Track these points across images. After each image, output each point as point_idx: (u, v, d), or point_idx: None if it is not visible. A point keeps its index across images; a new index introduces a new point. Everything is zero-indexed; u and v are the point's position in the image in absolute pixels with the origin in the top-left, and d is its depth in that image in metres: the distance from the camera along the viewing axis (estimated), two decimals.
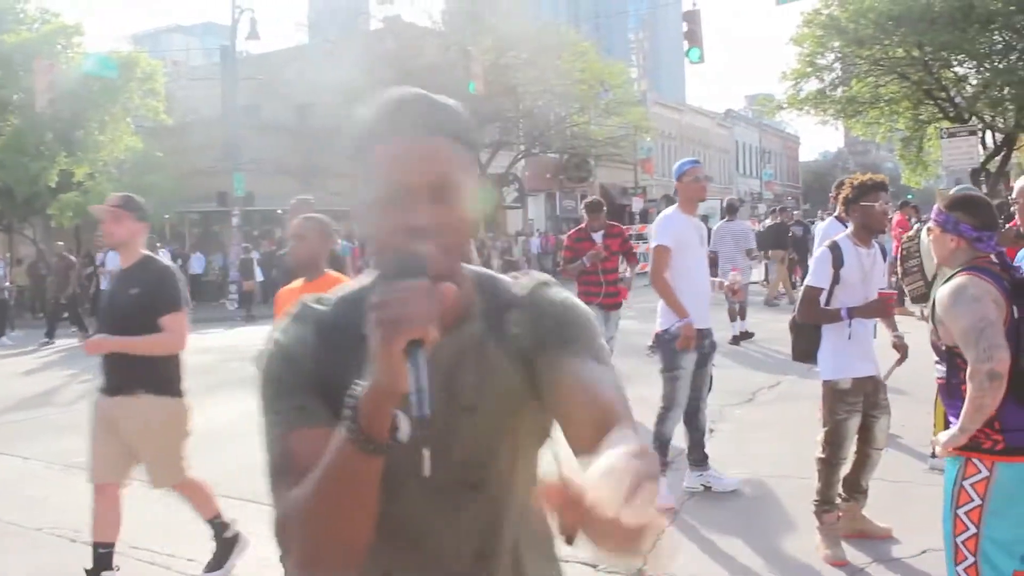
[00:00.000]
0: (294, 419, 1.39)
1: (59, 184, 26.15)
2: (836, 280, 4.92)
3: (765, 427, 8.05)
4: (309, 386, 1.42)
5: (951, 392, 3.29)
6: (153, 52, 37.45)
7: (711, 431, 6.70)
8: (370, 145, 1.41)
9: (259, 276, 23.28)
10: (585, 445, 1.30)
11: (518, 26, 33.47)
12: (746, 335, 13.70)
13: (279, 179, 29.12)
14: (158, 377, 4.67)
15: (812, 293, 4.99)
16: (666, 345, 6.06)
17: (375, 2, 33.73)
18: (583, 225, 8.96)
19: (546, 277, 1.60)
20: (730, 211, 15.16)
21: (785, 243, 19.41)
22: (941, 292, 3.29)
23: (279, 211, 30.07)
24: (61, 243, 21.81)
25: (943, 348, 3.31)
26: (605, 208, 9.12)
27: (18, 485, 6.31)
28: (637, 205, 40.83)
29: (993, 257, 3.34)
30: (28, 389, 11.88)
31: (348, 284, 1.59)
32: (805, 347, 5.17)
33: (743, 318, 13.94)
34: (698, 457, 6.24)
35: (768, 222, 21.89)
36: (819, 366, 5.10)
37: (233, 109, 26.30)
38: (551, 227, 41.15)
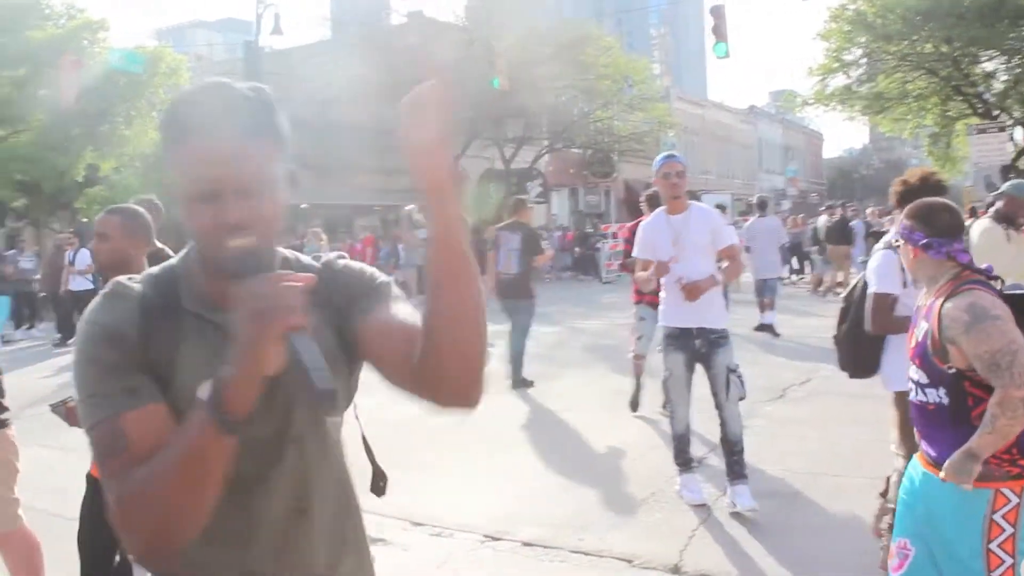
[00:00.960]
0: (125, 400, 1.42)
1: (85, 178, 26.31)
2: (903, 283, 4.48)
3: (797, 424, 7.97)
4: (136, 365, 1.45)
5: (956, 418, 3.05)
6: (177, 47, 37.59)
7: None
8: (176, 141, 1.48)
9: None
10: (404, 372, 1.50)
11: (541, 21, 33.39)
12: (770, 330, 13.61)
13: (301, 174, 29.12)
14: None
15: (886, 300, 4.43)
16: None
17: None
18: (644, 218, 8.75)
19: (336, 254, 1.76)
20: (760, 207, 15.11)
21: (850, 238, 19.01)
22: (952, 311, 3.02)
23: (301, 206, 30.16)
24: (63, 234, 19.83)
25: (950, 371, 3.05)
26: None
27: (46, 476, 6.32)
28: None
29: (961, 258, 3.15)
30: (56, 380, 11.91)
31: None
32: (869, 360, 4.64)
33: (771, 309, 13.85)
34: (730, 471, 5.84)
35: (824, 218, 21.26)
36: (886, 377, 4.62)
37: None
38: (575, 222, 41.05)
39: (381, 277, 1.70)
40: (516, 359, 10.27)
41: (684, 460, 6.03)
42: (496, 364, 10.63)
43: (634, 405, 8.61)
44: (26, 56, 24.70)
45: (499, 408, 8.99)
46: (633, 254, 6.27)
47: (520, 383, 10.14)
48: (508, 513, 5.86)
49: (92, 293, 9.68)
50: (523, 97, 33.31)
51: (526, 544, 5.30)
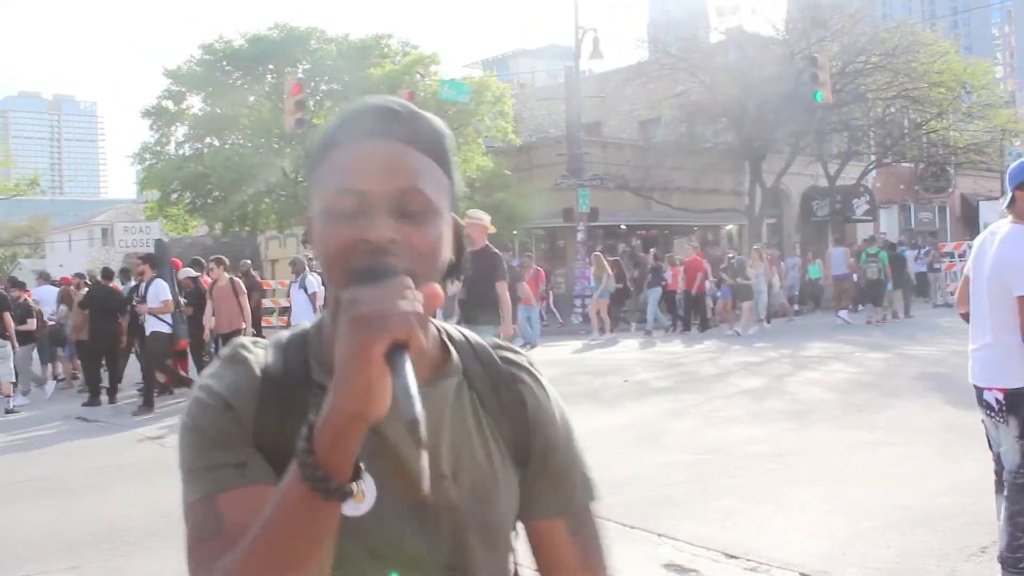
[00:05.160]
0: (229, 476, 1.16)
1: None
2: None
3: None
4: (250, 441, 1.18)
5: None
6: (501, 76, 39.37)
7: None
8: (326, 152, 1.22)
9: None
10: None
11: (868, 29, 31.93)
12: None
13: (621, 195, 29.53)
14: None
15: None
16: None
17: (715, 14, 33.35)
18: None
19: (529, 358, 1.39)
20: None
21: None
22: None
23: (622, 226, 30.57)
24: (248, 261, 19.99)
25: None
26: None
27: None
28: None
29: None
30: None
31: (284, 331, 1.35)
32: None
33: None
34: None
35: None
36: None
37: (577, 127, 27.03)
38: (905, 241, 38.84)
39: (586, 469, 1.37)
40: None
41: (1014, 562, 4.37)
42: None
43: None
44: (367, 91, 26.80)
45: (824, 437, 8.60)
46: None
47: None
48: (830, 551, 5.53)
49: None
50: (848, 110, 32.02)
51: None
